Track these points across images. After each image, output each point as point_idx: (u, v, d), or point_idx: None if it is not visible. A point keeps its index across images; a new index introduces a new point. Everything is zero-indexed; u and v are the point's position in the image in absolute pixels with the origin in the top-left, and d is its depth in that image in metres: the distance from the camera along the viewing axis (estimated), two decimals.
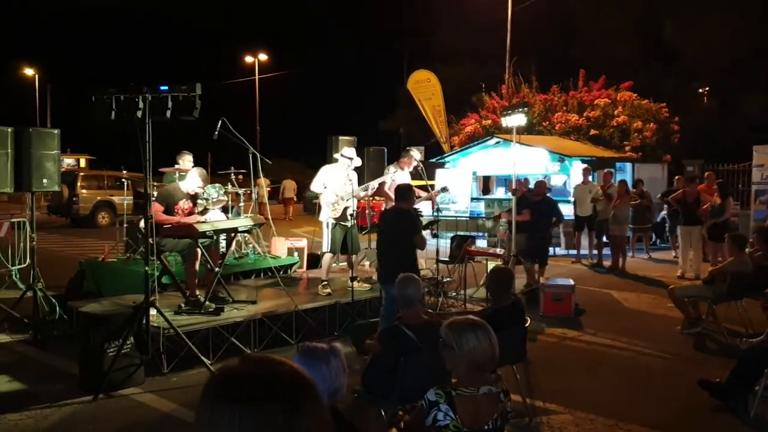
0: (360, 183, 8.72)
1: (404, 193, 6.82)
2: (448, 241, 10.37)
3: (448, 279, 9.61)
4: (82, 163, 32.71)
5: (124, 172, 13.03)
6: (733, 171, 18.26)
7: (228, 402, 1.17)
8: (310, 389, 1.22)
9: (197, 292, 7.36)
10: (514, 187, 10.45)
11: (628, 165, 17.63)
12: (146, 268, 6.27)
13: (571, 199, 14.15)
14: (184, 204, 7.33)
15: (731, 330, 7.89)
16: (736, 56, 24.55)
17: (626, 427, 5.22)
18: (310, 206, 25.56)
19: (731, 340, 7.55)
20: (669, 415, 5.54)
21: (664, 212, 15.46)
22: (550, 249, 12.04)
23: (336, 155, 8.61)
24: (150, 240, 6.30)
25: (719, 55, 25.01)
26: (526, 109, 10.89)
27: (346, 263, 9.52)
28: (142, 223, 8.07)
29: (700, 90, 27.56)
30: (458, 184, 17.26)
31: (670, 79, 26.04)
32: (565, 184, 17.07)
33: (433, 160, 19.44)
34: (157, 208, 6.95)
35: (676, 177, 14.59)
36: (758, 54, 22.59)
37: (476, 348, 2.95)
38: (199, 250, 7.20)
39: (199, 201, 7.86)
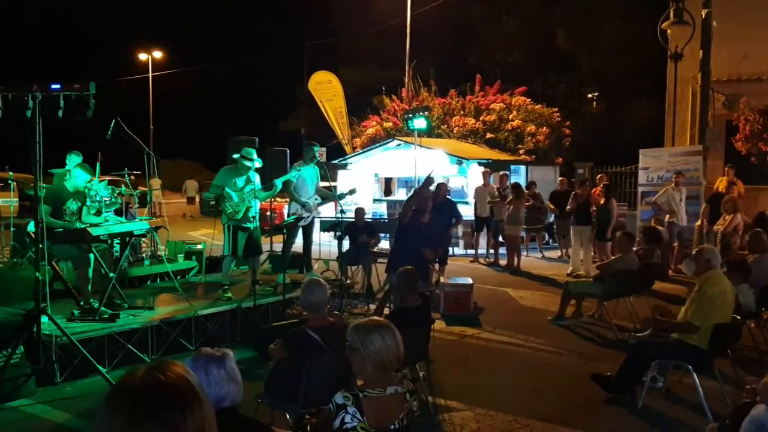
0: (263, 183, 8.57)
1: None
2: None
3: (351, 280, 9.68)
4: None
5: (10, 173, 12.29)
6: (621, 173, 19.27)
7: (117, 413, 1.23)
8: (196, 399, 1.28)
9: (91, 299, 7.07)
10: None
11: (522, 167, 18.24)
12: (36, 273, 5.98)
13: (469, 200, 14.50)
14: (72, 204, 7.02)
15: (620, 325, 8.31)
16: (625, 65, 25.81)
17: (524, 421, 5.39)
18: (207, 208, 25.14)
19: (620, 335, 7.94)
20: (564, 409, 5.75)
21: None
22: (450, 249, 12.30)
23: (235, 156, 8.45)
24: (40, 244, 6.01)
25: (609, 63, 26.25)
26: (426, 113, 11.08)
27: (247, 267, 9.38)
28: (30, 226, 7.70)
29: (590, 95, 28.83)
30: (360, 186, 17.36)
31: (562, 85, 27.10)
32: (462, 186, 17.45)
33: (336, 161, 19.47)
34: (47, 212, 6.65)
35: (560, 178, 15.22)
36: (645, 63, 23.83)
37: (382, 348, 2.99)
38: (92, 255, 6.92)
39: (89, 203, 7.53)
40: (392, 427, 2.99)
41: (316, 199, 9.19)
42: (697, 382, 5.45)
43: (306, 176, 9.05)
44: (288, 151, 10.51)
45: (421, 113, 10.09)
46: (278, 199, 10.07)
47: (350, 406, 2.94)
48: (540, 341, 7.90)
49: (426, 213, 7.78)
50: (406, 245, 7.51)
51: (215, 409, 2.51)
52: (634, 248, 8.84)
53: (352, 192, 9.62)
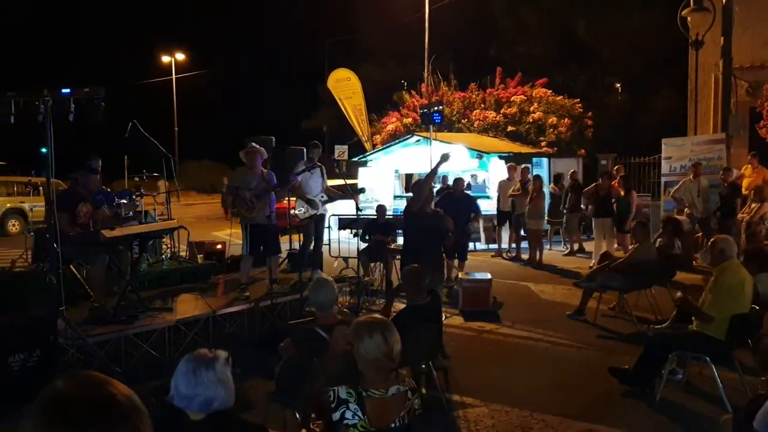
0: (278, 179, 8.56)
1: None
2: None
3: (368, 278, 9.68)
4: None
5: (32, 178, 12.42)
6: (644, 164, 19.00)
7: (45, 425, 1.22)
8: (127, 415, 1.25)
9: (108, 301, 7.14)
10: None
11: (545, 160, 18.06)
12: (53, 277, 6.05)
13: (489, 194, 14.39)
14: (83, 207, 7.11)
15: (641, 317, 8.20)
16: (647, 55, 25.44)
17: (540, 417, 5.35)
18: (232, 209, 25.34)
19: (640, 327, 7.82)
20: (581, 403, 5.70)
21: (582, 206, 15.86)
22: (470, 244, 12.24)
23: (240, 155, 8.44)
24: (56, 246, 6.08)
25: (630, 54, 25.88)
26: (441, 107, 11.03)
27: (265, 266, 9.41)
28: None
29: (616, 86, 28.42)
30: (380, 183, 17.37)
31: (583, 76, 26.78)
32: (484, 180, 17.33)
33: (356, 158, 19.46)
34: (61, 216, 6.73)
35: (571, 171, 15.01)
36: (667, 52, 23.45)
37: (369, 347, 2.99)
38: (108, 257, 6.99)
39: (105, 207, 7.61)
40: (393, 425, 2.98)
41: (322, 197, 9.19)
42: (716, 373, 5.37)
43: (308, 177, 9.05)
44: (305, 150, 10.52)
45: (435, 108, 10.05)
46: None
47: (352, 403, 2.93)
48: (559, 336, 7.82)
49: (431, 203, 7.70)
50: (414, 238, 7.43)
51: (207, 413, 2.58)
52: (657, 239, 8.72)
53: (360, 191, 9.59)
